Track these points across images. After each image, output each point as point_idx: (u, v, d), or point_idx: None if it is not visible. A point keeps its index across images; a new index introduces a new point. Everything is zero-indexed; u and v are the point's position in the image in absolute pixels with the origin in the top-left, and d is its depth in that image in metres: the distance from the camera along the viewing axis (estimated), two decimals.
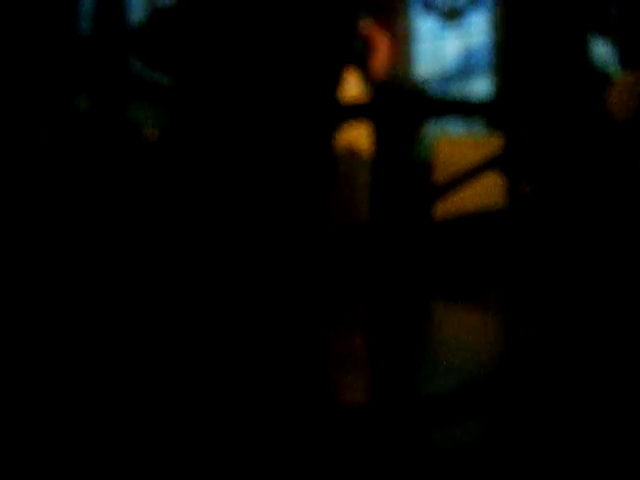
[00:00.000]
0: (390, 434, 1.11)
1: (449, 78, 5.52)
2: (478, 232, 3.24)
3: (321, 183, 1.59)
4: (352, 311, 2.38)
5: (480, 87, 5.32)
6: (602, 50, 3.95)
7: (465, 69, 5.47)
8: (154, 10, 2.19)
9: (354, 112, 2.22)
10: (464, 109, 2.56)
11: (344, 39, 1.65)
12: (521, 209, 3.25)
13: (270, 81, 1.53)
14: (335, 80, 1.63)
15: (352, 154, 3.21)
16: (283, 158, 1.54)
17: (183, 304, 1.60)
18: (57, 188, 1.86)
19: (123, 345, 1.59)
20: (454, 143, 4.12)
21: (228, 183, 1.56)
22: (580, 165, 2.52)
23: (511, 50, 4.92)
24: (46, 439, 1.05)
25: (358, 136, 3.24)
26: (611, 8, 3.86)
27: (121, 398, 1.27)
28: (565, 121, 2.49)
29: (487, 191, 3.54)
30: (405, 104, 2.69)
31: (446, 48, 5.55)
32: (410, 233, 2.99)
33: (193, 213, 1.59)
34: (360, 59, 3.28)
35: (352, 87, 3.22)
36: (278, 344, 1.58)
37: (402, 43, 5.51)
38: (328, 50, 1.58)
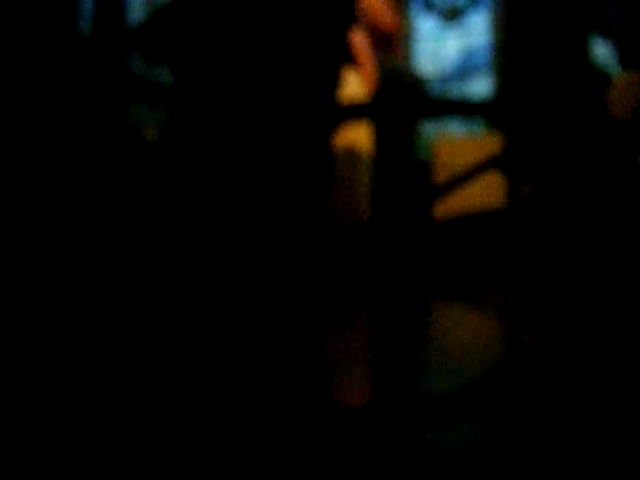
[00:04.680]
0: (390, 434, 1.11)
1: (449, 78, 5.52)
2: (478, 232, 3.24)
3: (320, 182, 1.59)
4: (352, 311, 2.38)
5: (480, 87, 5.32)
6: (602, 50, 3.95)
7: (465, 69, 5.47)
8: (154, 8, 2.19)
9: (354, 112, 2.21)
10: (464, 109, 2.56)
11: (340, 38, 1.65)
12: (521, 209, 3.25)
13: (269, 81, 1.53)
14: (334, 79, 1.63)
15: (352, 154, 3.20)
16: (282, 158, 1.54)
17: (183, 304, 1.60)
18: (56, 188, 1.86)
19: (123, 344, 1.59)
20: (454, 143, 4.12)
21: (227, 183, 1.56)
22: (580, 165, 2.52)
23: (511, 50, 4.92)
24: (46, 439, 1.05)
25: (358, 136, 3.24)
26: (611, 8, 3.86)
27: (120, 397, 1.27)
28: (565, 121, 2.49)
29: (487, 191, 3.54)
30: (405, 104, 2.69)
31: (446, 48, 5.56)
32: (410, 233, 2.99)
33: (192, 213, 1.59)
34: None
35: (352, 87, 3.22)
36: (278, 344, 1.58)
37: (402, 43, 5.51)
38: (326, 49, 1.58)
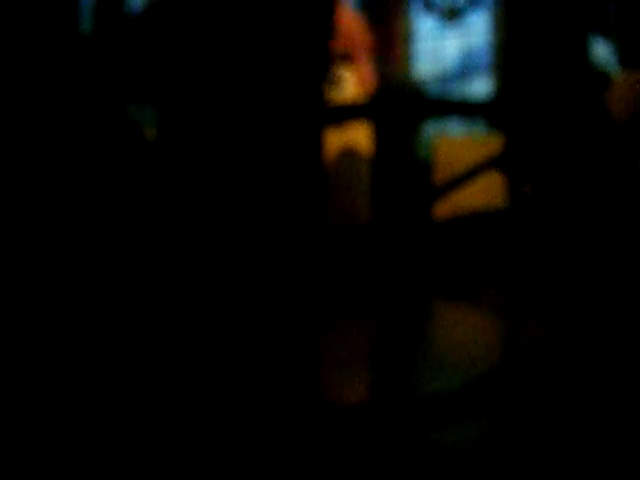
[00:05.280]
0: (390, 434, 1.11)
1: (449, 78, 5.52)
2: (478, 232, 3.24)
3: (313, 182, 1.59)
4: (352, 311, 2.38)
5: (480, 87, 5.32)
6: (602, 50, 3.95)
7: (465, 69, 5.47)
8: (139, 11, 2.19)
9: (354, 112, 2.21)
10: (464, 109, 2.56)
11: (324, 39, 1.64)
12: (521, 209, 3.24)
13: (256, 81, 1.53)
14: (320, 79, 1.62)
15: (352, 154, 3.20)
16: (272, 158, 1.54)
17: (180, 304, 1.60)
18: (56, 187, 1.86)
19: (121, 344, 1.59)
20: (454, 143, 4.12)
21: (220, 183, 1.56)
22: (580, 165, 2.52)
23: (511, 50, 4.92)
24: (46, 439, 1.05)
25: (358, 136, 3.24)
26: (611, 8, 3.86)
27: (119, 397, 1.27)
28: (565, 121, 2.49)
29: (487, 191, 3.54)
30: (405, 104, 2.69)
31: (446, 48, 5.55)
32: (410, 233, 2.99)
33: (190, 214, 1.59)
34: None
35: (352, 87, 3.22)
36: (276, 345, 1.58)
37: (402, 43, 5.52)
38: (310, 50, 1.57)
